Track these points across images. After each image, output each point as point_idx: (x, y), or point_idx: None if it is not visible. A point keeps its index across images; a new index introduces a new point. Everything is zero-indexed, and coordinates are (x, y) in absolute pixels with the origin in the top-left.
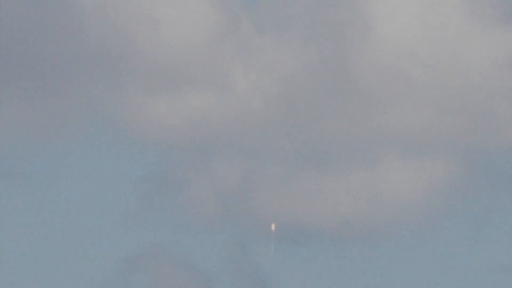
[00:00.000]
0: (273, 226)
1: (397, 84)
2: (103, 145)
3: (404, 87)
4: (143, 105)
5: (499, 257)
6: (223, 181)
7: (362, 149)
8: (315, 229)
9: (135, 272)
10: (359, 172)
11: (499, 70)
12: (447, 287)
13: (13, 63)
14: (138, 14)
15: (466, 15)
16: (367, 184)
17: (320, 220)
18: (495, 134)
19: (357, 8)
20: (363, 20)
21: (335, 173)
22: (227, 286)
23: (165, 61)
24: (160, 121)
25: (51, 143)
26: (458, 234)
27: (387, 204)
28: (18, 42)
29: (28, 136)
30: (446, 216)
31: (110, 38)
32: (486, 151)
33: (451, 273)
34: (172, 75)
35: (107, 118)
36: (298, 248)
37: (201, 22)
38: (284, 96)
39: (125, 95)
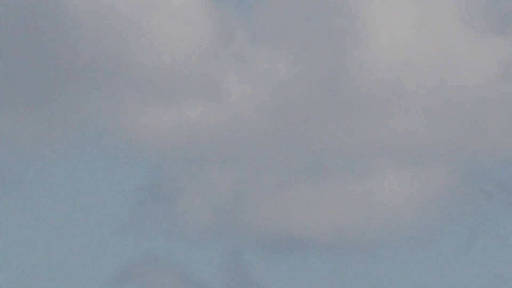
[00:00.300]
0: None
1: (392, 94)
2: (97, 155)
3: (399, 97)
4: (137, 115)
5: (494, 266)
6: (218, 191)
7: (356, 159)
8: (310, 239)
9: (129, 281)
10: (353, 182)
11: (493, 80)
12: None
13: (7, 70)
14: (133, 24)
15: (460, 26)
16: (362, 193)
17: (315, 230)
18: (489, 143)
19: (352, 18)
20: (358, 30)
21: (330, 182)
22: None
23: (159, 71)
24: (154, 131)
25: (45, 152)
26: (453, 244)
27: (382, 213)
28: (12, 50)
29: (21, 144)
30: (441, 226)
31: (105, 47)
32: (480, 160)
33: (445, 283)
34: (166, 85)
35: (101, 128)
36: (293, 258)
37: (195, 32)
38: (279, 106)
39: (119, 105)
